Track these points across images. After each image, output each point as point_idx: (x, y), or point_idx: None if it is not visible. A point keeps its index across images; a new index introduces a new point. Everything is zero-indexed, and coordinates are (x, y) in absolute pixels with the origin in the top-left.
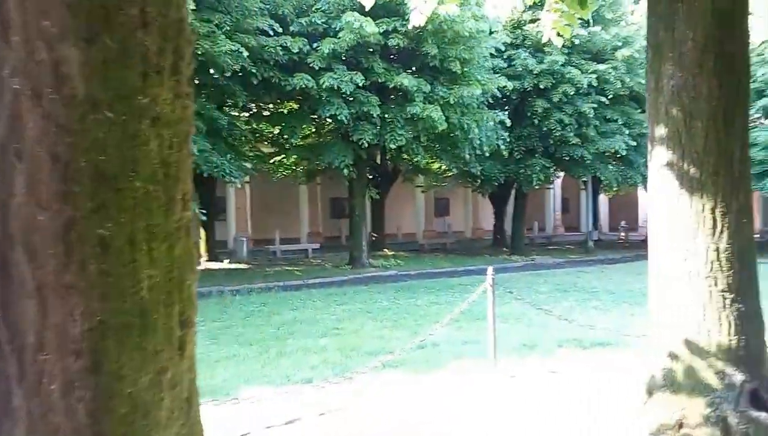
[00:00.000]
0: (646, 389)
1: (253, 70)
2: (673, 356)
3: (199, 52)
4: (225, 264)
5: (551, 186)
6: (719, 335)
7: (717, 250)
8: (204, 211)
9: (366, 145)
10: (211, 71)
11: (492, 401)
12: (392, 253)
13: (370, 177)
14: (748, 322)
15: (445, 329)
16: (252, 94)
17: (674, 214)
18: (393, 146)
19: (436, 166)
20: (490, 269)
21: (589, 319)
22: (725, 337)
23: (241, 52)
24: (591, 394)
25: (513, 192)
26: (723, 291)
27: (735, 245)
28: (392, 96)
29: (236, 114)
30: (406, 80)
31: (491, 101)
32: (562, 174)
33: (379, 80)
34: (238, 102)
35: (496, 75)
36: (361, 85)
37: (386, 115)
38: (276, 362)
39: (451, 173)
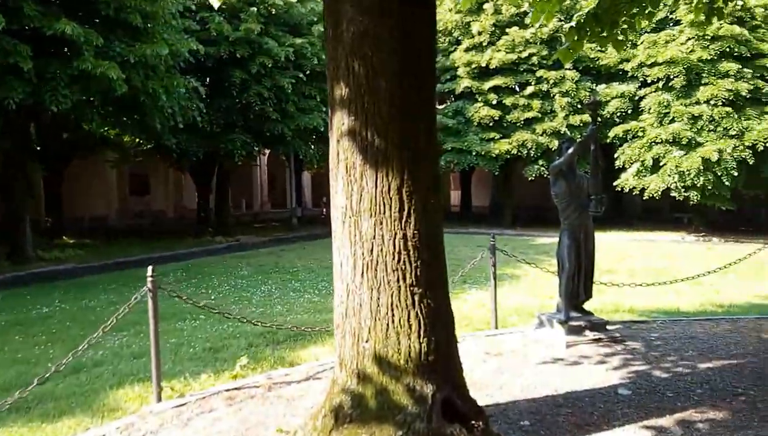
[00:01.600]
0: (332, 417)
1: None
2: (361, 374)
3: None
4: None
5: (257, 163)
6: (408, 339)
7: (405, 237)
8: None
9: (14, 106)
10: None
11: None
12: (74, 241)
13: (39, 149)
14: (437, 320)
15: (116, 339)
16: None
17: (357, 193)
18: (56, 109)
19: (127, 138)
20: (149, 269)
21: (288, 306)
22: (415, 341)
23: None
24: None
25: (216, 169)
26: (412, 286)
27: (424, 230)
28: (52, 48)
29: None
30: (69, 28)
31: (184, 65)
32: (268, 151)
33: (33, 25)
34: None
35: (188, 36)
36: (2, 29)
37: (45, 71)
38: None
39: (146, 147)
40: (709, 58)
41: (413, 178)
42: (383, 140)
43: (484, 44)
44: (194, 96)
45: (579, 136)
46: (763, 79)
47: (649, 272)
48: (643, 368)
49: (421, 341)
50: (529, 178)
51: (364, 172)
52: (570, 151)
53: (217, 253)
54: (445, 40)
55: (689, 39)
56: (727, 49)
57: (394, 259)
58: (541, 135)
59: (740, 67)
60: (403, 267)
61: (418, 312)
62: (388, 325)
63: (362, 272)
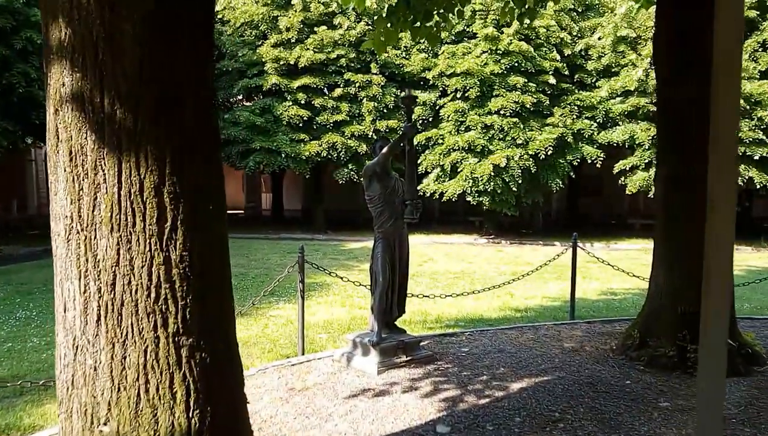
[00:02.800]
0: None
1: None
2: None
3: None
4: None
5: (32, 157)
6: (171, 415)
7: (167, 261)
8: None
9: None
10: None
11: None
12: None
13: None
14: (217, 381)
15: None
16: None
17: (88, 195)
18: None
19: None
20: None
21: (50, 338)
22: (181, 417)
23: None
24: None
25: None
26: (177, 336)
27: (197, 250)
28: None
29: None
30: None
31: None
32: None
33: None
34: None
35: None
36: None
37: None
38: None
39: None
40: (499, 71)
41: (180, 173)
42: (130, 113)
43: (293, 41)
44: None
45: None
46: (544, 93)
47: (450, 275)
48: (458, 393)
49: (190, 415)
50: (340, 182)
51: (100, 161)
52: (384, 150)
53: None
54: (251, 33)
55: (483, 52)
56: (516, 64)
57: (149, 296)
58: (350, 138)
59: (526, 81)
60: (164, 307)
61: (187, 373)
62: (139, 396)
63: (98, 318)
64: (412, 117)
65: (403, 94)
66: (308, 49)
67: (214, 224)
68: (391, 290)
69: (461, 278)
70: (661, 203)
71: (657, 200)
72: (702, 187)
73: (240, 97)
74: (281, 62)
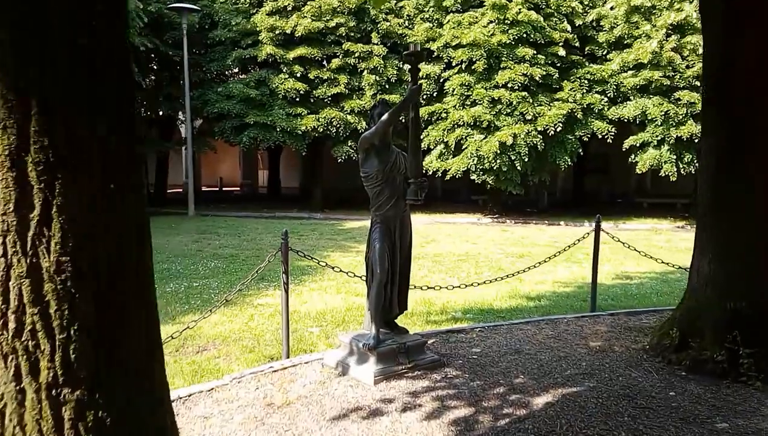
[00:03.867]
0: None
1: None
2: None
3: None
4: None
5: None
6: None
7: (34, 269)
8: None
9: None
10: None
11: None
12: None
13: None
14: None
15: None
16: None
17: None
18: None
19: None
20: None
21: None
22: None
23: None
24: None
25: None
26: (55, 388)
27: (88, 250)
28: None
29: None
30: None
31: None
32: None
33: None
34: None
35: None
36: None
37: None
38: None
39: None
40: (508, 42)
41: (54, 129)
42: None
43: (289, 8)
44: None
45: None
46: (554, 66)
47: (453, 258)
48: (470, 412)
49: None
50: (339, 160)
51: None
52: (384, 117)
53: None
54: (245, 0)
55: (491, 22)
56: (524, 35)
57: (4, 326)
58: (349, 113)
59: (535, 53)
60: (31, 345)
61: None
62: None
63: None
64: (418, 77)
65: (410, 49)
66: (305, 16)
67: (120, 209)
68: (390, 283)
69: (465, 260)
70: (707, 180)
71: (701, 175)
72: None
73: (235, 70)
74: (277, 31)
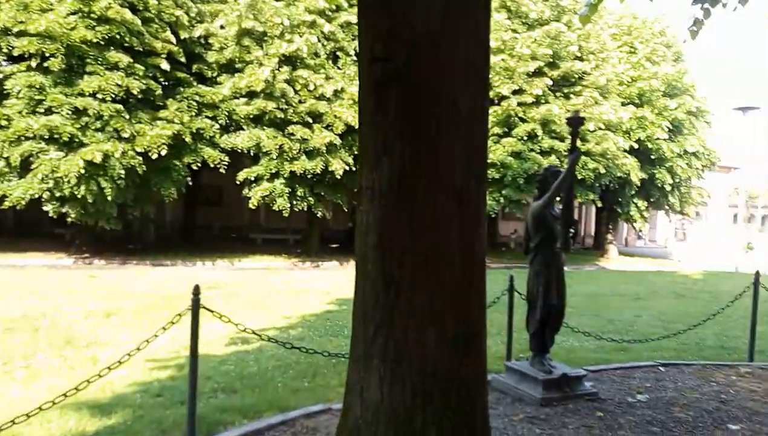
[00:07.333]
0: None
1: None
2: None
3: None
4: None
5: None
6: None
7: None
8: None
9: None
10: None
11: None
12: None
13: None
14: None
15: None
16: None
17: None
18: None
19: None
20: None
21: None
22: None
23: None
24: None
25: None
26: None
27: None
28: None
29: None
30: None
31: None
32: None
33: None
34: None
35: None
36: None
37: None
38: None
39: None
40: (95, 41)
41: None
42: None
43: None
44: None
45: None
46: (156, 80)
47: None
48: None
49: None
50: None
51: None
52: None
53: None
54: None
55: (73, 13)
56: (118, 37)
57: None
58: None
59: (131, 60)
60: None
61: None
62: None
63: None
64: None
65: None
66: None
67: None
68: None
69: (17, 330)
70: None
71: None
72: None
73: None
74: None
